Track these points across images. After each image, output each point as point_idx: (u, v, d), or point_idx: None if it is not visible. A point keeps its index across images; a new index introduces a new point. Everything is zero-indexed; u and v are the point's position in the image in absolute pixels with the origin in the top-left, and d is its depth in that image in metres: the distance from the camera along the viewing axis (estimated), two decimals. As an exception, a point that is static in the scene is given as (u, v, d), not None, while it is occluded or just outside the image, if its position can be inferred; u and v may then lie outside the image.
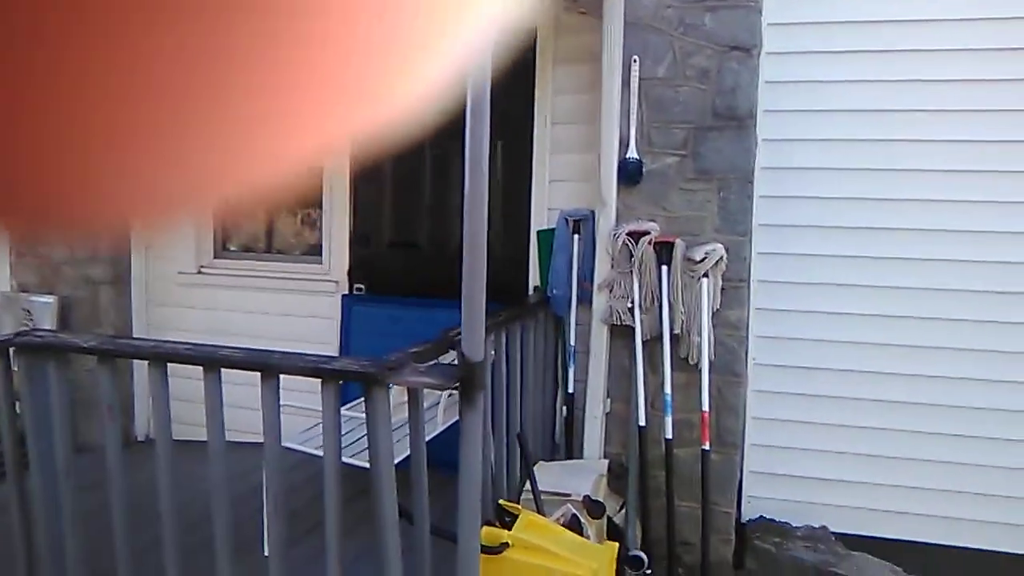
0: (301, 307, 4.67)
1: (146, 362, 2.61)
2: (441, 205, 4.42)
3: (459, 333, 2.97)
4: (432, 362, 2.73)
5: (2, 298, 5.09)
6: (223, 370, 2.46)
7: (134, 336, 2.28)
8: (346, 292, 4.54)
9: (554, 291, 4.00)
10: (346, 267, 4.54)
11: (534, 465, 3.49)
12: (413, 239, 4.48)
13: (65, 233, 0.25)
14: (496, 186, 4.30)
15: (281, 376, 2.41)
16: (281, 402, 2.45)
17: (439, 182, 4.41)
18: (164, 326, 4.98)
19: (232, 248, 4.94)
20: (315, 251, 4.69)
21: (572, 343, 3.99)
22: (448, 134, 4.54)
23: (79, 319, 4.90)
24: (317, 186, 4.64)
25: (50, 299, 4.87)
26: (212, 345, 2.60)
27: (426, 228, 4.45)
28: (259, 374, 2.47)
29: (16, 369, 2.79)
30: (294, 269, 4.70)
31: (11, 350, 2.81)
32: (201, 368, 2.51)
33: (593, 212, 3.98)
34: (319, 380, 2.41)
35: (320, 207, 4.61)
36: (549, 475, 3.63)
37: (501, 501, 3.09)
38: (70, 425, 2.78)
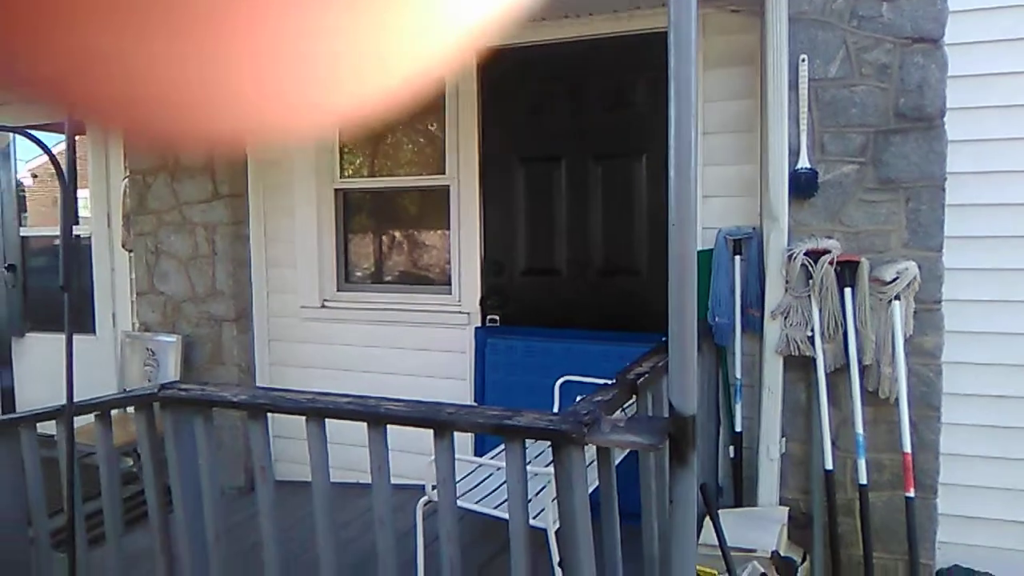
0: (430, 340, 4.39)
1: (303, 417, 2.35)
2: (579, 225, 4.09)
3: (641, 375, 2.64)
4: (619, 411, 2.39)
5: (125, 337, 4.99)
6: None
7: (280, 388, 2.08)
8: (479, 324, 4.25)
9: (716, 319, 3.61)
10: (478, 297, 4.25)
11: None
12: (550, 264, 4.15)
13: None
14: (639, 202, 3.96)
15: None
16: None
17: (576, 199, 4.08)
18: (287, 363, 4.78)
19: (356, 279, 4.71)
20: (444, 280, 4.41)
21: (738, 376, 3.59)
22: (581, 140, 4.37)
23: (202, 357, 4.75)
24: (442, 207, 4.37)
25: (173, 338, 4.74)
26: (375, 398, 2.31)
27: (563, 252, 4.12)
28: (431, 432, 2.18)
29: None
30: (422, 300, 4.44)
31: (155, 405, 2.60)
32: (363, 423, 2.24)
33: (755, 230, 3.59)
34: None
35: (449, 226, 4.33)
36: (725, 526, 3.24)
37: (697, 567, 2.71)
38: (218, 482, 2.55)
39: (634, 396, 2.52)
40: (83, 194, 5.75)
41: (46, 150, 2.22)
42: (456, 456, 2.22)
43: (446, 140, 4.31)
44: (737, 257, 3.61)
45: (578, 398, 2.97)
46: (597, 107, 4.02)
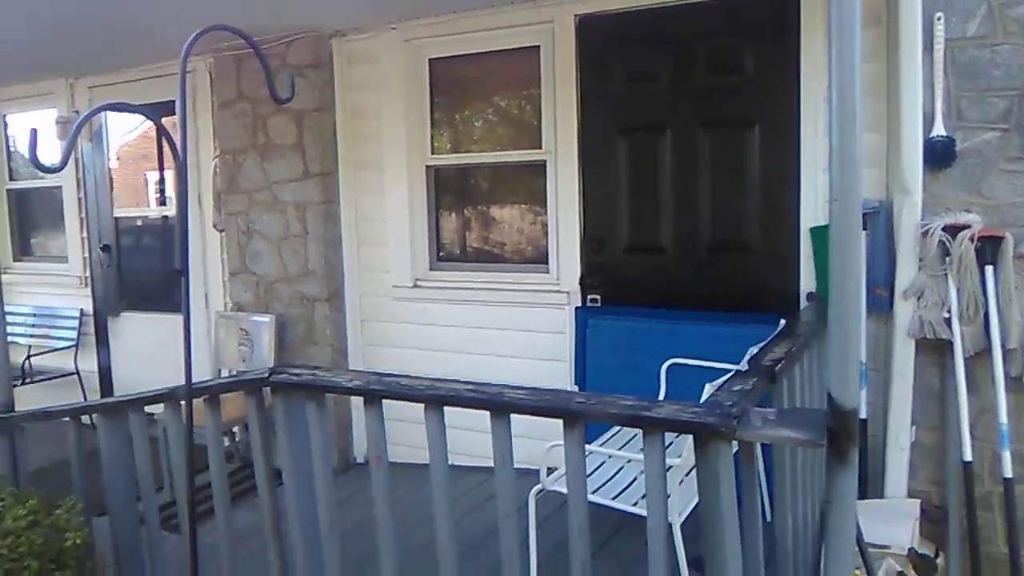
0: (526, 320, 4.26)
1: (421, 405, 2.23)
2: (685, 199, 3.89)
3: (778, 361, 2.46)
4: (757, 399, 2.21)
5: (219, 317, 4.99)
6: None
7: (395, 373, 2.00)
8: (578, 303, 4.09)
9: (837, 298, 3.38)
10: (578, 275, 4.09)
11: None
12: (654, 241, 3.97)
13: None
14: (752, 175, 3.74)
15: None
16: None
17: (682, 171, 3.87)
18: (380, 343, 4.72)
19: (449, 258, 4.60)
20: (541, 259, 4.26)
21: (863, 360, 3.36)
22: (688, 109, 3.96)
23: (295, 337, 4.72)
24: (539, 183, 4.21)
25: (267, 318, 4.72)
26: (497, 385, 2.18)
27: (669, 228, 3.93)
28: (560, 421, 2.05)
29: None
30: (517, 279, 4.30)
31: (265, 390, 2.53)
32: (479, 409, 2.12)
33: (882, 203, 3.34)
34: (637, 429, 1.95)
35: (546, 202, 4.17)
36: (848, 519, 3.04)
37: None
38: (331, 468, 2.47)
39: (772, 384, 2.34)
40: (159, 176, 5.77)
41: (161, 127, 2.14)
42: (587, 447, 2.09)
43: (542, 112, 4.14)
44: (863, 233, 3.36)
45: (706, 386, 2.82)
46: (705, 74, 3.80)
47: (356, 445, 4.81)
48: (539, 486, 2.91)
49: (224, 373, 5.02)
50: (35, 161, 1.72)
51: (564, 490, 2.95)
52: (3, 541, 2.26)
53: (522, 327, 4.28)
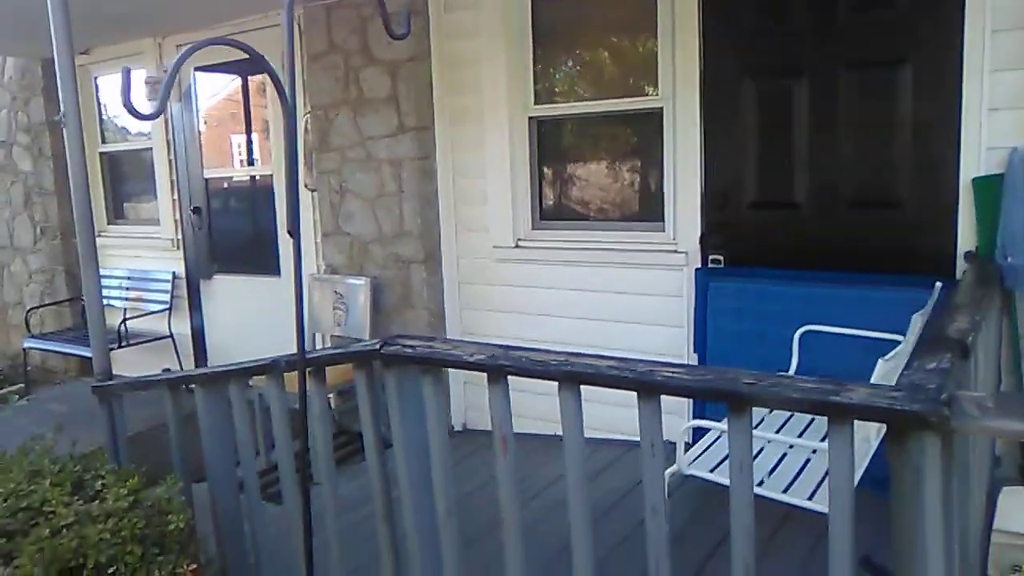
0: (639, 283, 3.94)
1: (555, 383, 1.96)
2: (823, 149, 3.49)
3: (966, 333, 2.10)
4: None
5: (313, 279, 4.82)
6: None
7: (523, 347, 1.77)
8: (698, 264, 3.75)
9: (1008, 259, 2.97)
10: (697, 234, 3.74)
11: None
12: (786, 196, 3.58)
13: None
14: (902, 120, 3.31)
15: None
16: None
17: (820, 117, 3.47)
18: (478, 307, 4.47)
19: (553, 216, 4.29)
20: (655, 216, 3.92)
21: None
22: (828, 47, 3.36)
23: (391, 301, 4.52)
24: (653, 133, 3.86)
25: (361, 280, 4.52)
26: (644, 362, 1.89)
27: (803, 181, 3.54)
28: (725, 405, 1.75)
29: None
30: (630, 238, 3.98)
31: (375, 363, 2.30)
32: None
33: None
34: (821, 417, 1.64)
35: (662, 155, 3.82)
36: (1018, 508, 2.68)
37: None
38: (450, 451, 2.23)
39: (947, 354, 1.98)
40: (247, 137, 5.62)
41: (271, 72, 1.90)
42: (755, 434, 1.78)
43: (659, 55, 3.78)
44: (1040, 184, 2.93)
45: (879, 362, 2.47)
46: (848, 6, 3.37)
47: (454, 412, 4.60)
48: (674, 467, 2.63)
49: (318, 337, 4.87)
50: (129, 106, 1.50)
51: (703, 475, 2.69)
52: (105, 525, 2.10)
53: (633, 290, 3.97)
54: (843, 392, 1.65)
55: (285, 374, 2.44)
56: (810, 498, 2.46)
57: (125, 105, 1.51)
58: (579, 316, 4.13)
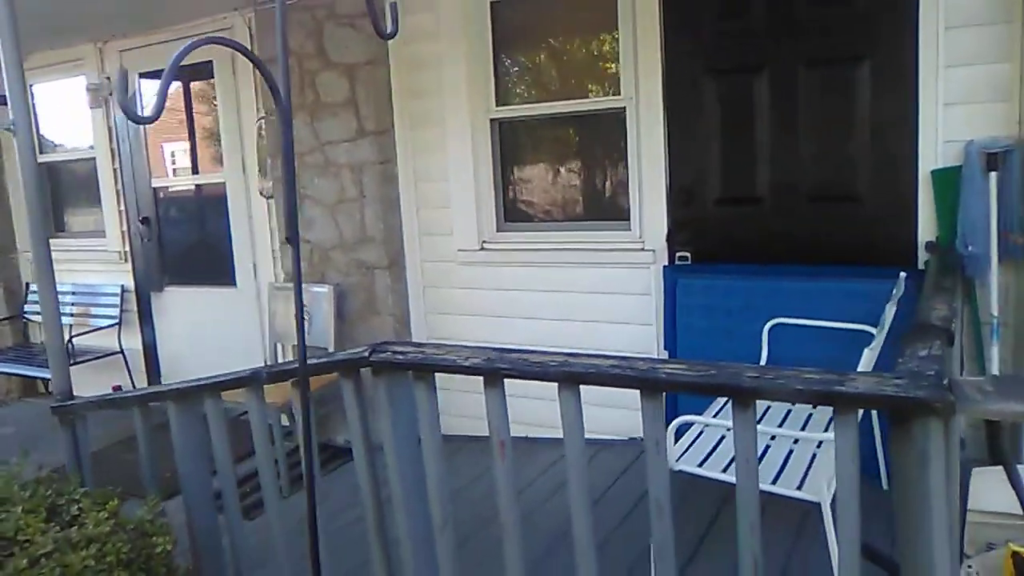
0: (606, 282, 3.96)
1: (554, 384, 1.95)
2: (785, 145, 3.55)
3: (948, 320, 2.15)
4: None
5: (274, 289, 4.72)
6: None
7: (518, 349, 1.75)
8: (665, 262, 3.79)
9: (968, 248, 3.06)
10: (664, 231, 3.78)
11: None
12: (750, 191, 3.64)
13: None
14: (861, 116, 3.39)
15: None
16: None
17: (781, 114, 3.53)
18: (444, 311, 4.44)
19: (518, 218, 4.28)
20: (620, 215, 3.94)
21: (994, 313, 3.05)
22: (788, 45, 3.41)
23: (354, 308, 4.45)
24: (617, 132, 3.88)
25: (325, 288, 4.44)
26: (645, 359, 1.89)
27: (766, 176, 3.60)
28: (729, 400, 1.76)
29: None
30: (596, 238, 3.99)
31: (363, 371, 2.25)
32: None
33: (1016, 141, 3.01)
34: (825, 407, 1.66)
35: (626, 154, 3.85)
36: (991, 489, 2.76)
37: (1011, 544, 2.26)
38: (444, 459, 2.19)
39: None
40: (191, 144, 5.48)
41: (266, 73, 1.84)
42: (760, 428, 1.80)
43: (620, 56, 3.80)
44: (993, 174, 3.03)
45: (865, 352, 2.51)
46: (807, 4, 3.44)
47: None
48: (674, 467, 2.63)
49: (280, 348, 4.78)
50: (127, 108, 1.44)
51: (693, 470, 2.70)
52: (87, 551, 2.01)
53: (601, 289, 3.99)
54: (847, 382, 1.67)
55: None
56: (799, 488, 2.50)
57: (123, 107, 1.44)
58: (547, 317, 4.13)
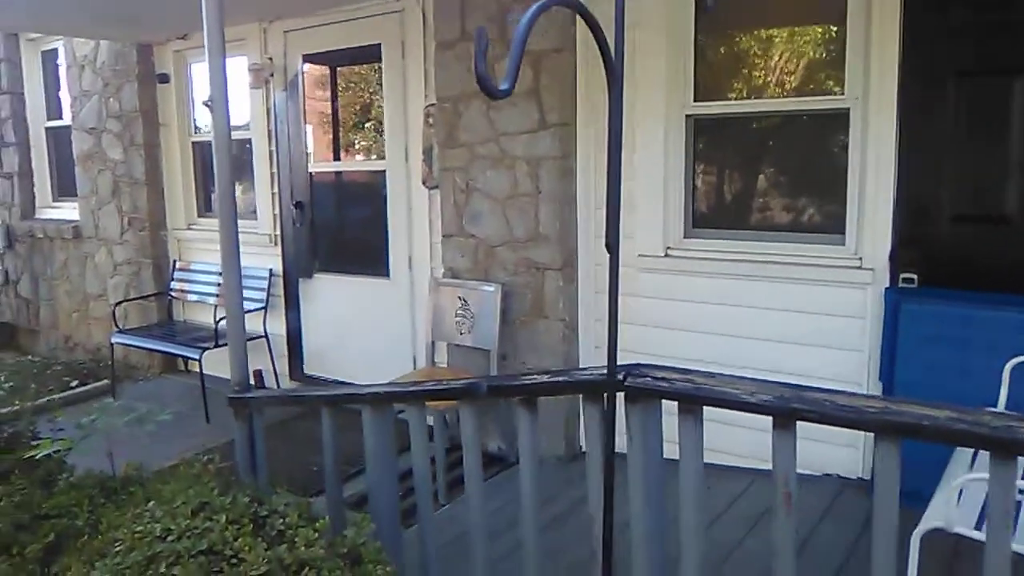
0: (808, 301, 3.58)
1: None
2: (1044, 159, 3.10)
3: None
4: None
5: (436, 283, 4.51)
6: None
7: (816, 388, 1.49)
8: (886, 283, 3.38)
9: None
10: (887, 249, 3.37)
11: None
12: (996, 209, 3.20)
13: None
14: None
15: None
16: None
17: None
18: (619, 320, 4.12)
19: (709, 224, 3.94)
20: (833, 228, 3.55)
21: None
22: None
23: (520, 310, 4.19)
24: (833, 136, 3.50)
25: (492, 287, 4.20)
26: (992, 412, 1.54)
27: (1016, 191, 3.16)
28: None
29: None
30: (800, 251, 3.60)
31: (609, 395, 1.96)
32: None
33: None
34: None
35: (845, 160, 3.45)
36: None
37: None
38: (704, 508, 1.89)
39: None
40: (341, 132, 5.31)
41: (603, 44, 1.57)
42: None
43: (847, 50, 3.41)
44: None
45: None
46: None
47: (583, 432, 4.26)
48: (925, 525, 2.25)
49: (439, 347, 4.56)
50: (483, 77, 1.20)
51: (968, 532, 2.32)
52: (302, 577, 1.79)
53: (803, 308, 3.60)
54: None
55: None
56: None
57: (479, 74, 1.19)
58: (734, 334, 3.77)
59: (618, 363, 2.02)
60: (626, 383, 1.92)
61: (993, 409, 2.77)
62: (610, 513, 1.83)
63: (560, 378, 2.12)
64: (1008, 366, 2.99)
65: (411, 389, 2.47)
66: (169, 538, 2.01)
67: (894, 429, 1.60)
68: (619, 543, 1.95)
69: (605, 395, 1.98)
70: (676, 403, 1.86)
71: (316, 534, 2.00)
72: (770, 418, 1.74)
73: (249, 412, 2.98)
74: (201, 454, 4.55)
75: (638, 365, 1.97)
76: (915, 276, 3.34)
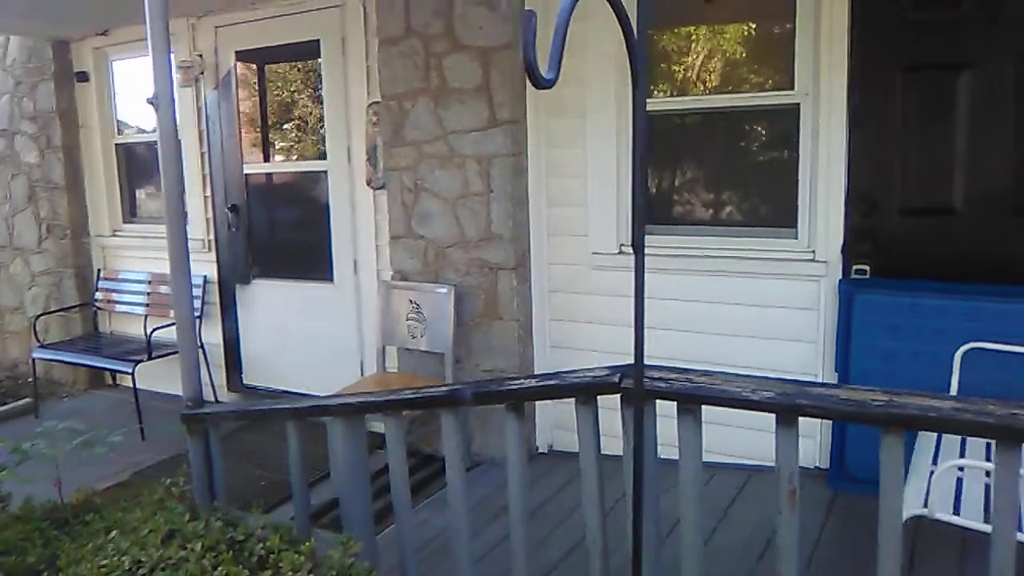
0: (764, 294, 3.62)
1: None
2: (988, 152, 3.20)
3: None
4: None
5: (385, 287, 4.40)
6: None
7: (820, 383, 1.50)
8: (838, 275, 3.44)
9: None
10: (839, 241, 3.43)
11: None
12: (943, 201, 3.29)
13: None
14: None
15: None
16: None
17: (985, 116, 3.18)
18: (571, 318, 4.11)
19: (663, 220, 3.94)
20: (785, 222, 3.60)
21: None
22: (998, 39, 3.01)
23: (473, 311, 4.12)
24: (785, 131, 3.55)
25: (444, 288, 4.12)
26: (993, 400, 1.55)
27: (961, 185, 3.25)
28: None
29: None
30: (755, 245, 3.65)
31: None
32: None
33: None
34: None
35: (796, 155, 3.51)
36: None
37: None
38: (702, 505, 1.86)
39: None
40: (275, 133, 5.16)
41: (630, 39, 1.52)
42: None
43: (796, 46, 3.45)
44: None
45: None
46: (1027, -5, 3.09)
47: (539, 431, 4.23)
48: (912, 512, 2.28)
49: (389, 351, 4.45)
50: (531, 64, 1.14)
51: (947, 518, 2.36)
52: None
53: (758, 302, 3.64)
54: None
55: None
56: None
57: (528, 61, 1.13)
58: (692, 330, 3.79)
59: (612, 365, 2.00)
60: (621, 384, 1.88)
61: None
62: (639, 525, 1.78)
63: (551, 382, 2.06)
64: (959, 352, 3.09)
65: (388, 399, 2.38)
66: (140, 571, 1.87)
67: (899, 421, 1.61)
68: (620, 543, 1.92)
69: (617, 397, 1.92)
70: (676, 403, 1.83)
71: (301, 557, 1.90)
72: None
73: (205, 428, 2.83)
74: (138, 474, 4.38)
75: (631, 366, 1.93)
76: (867, 268, 3.41)
